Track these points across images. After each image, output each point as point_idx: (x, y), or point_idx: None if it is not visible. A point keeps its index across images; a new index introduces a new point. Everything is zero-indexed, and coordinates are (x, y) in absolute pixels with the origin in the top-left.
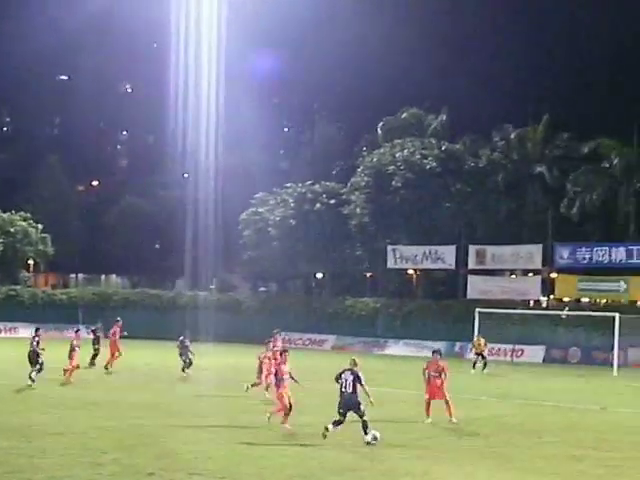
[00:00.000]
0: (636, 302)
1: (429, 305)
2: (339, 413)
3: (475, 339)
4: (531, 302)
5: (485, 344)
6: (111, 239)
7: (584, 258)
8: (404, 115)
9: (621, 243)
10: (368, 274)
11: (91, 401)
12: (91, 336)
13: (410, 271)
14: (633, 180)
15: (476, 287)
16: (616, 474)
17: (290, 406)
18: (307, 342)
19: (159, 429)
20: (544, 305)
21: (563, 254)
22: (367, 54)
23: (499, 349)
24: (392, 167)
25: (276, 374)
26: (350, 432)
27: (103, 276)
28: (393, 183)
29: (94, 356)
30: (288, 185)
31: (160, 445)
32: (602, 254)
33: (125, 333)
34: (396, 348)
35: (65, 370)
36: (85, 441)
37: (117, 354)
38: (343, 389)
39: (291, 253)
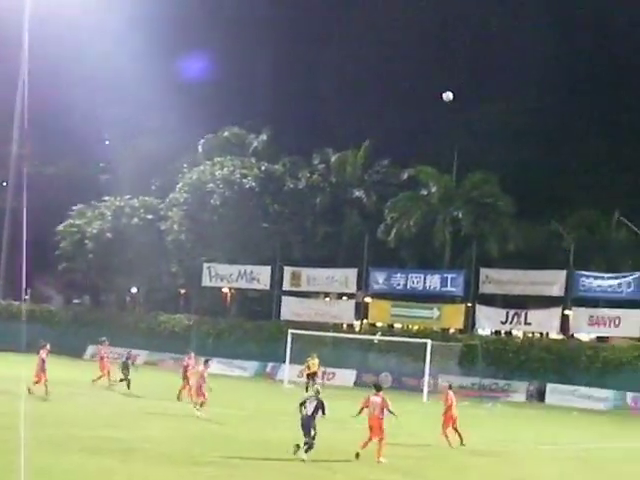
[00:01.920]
0: (448, 329)
1: (242, 324)
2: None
3: (309, 359)
4: (344, 326)
5: (319, 365)
6: None
7: (399, 284)
8: (225, 133)
9: (436, 270)
10: (183, 291)
11: None
12: None
13: (225, 289)
14: (449, 208)
15: (290, 308)
16: None
17: None
18: (117, 356)
19: None
20: (357, 329)
21: (378, 279)
22: (195, 73)
23: None
24: (211, 185)
25: None
26: (165, 447)
27: None
28: (212, 201)
29: None
30: (106, 198)
31: None
32: (417, 281)
33: None
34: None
35: None
36: None
37: None
38: (303, 412)
39: (107, 267)
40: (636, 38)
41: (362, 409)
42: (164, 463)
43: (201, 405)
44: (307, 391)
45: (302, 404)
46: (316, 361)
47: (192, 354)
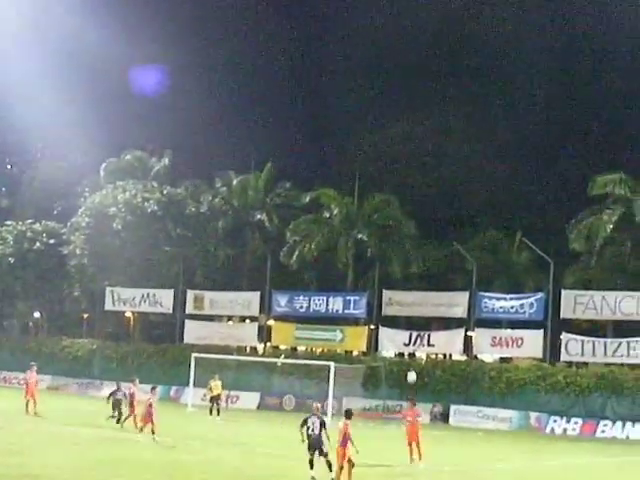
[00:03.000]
0: (351, 352)
1: (145, 348)
2: (309, 453)
3: (211, 381)
4: (248, 349)
5: (222, 387)
6: None
7: (302, 307)
8: (127, 157)
9: (338, 292)
10: (85, 315)
11: None
12: None
13: (128, 313)
14: (352, 230)
15: (193, 332)
16: None
17: None
18: (22, 382)
19: None
20: (260, 352)
21: (281, 302)
22: (95, 95)
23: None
24: (113, 209)
25: None
26: None
27: None
28: (114, 225)
29: None
30: (8, 223)
31: None
32: (319, 303)
33: None
34: (112, 390)
35: None
36: None
37: None
38: (310, 432)
39: (8, 291)
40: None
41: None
42: None
43: (153, 432)
44: (210, 414)
45: (303, 424)
46: (218, 383)
47: (136, 381)
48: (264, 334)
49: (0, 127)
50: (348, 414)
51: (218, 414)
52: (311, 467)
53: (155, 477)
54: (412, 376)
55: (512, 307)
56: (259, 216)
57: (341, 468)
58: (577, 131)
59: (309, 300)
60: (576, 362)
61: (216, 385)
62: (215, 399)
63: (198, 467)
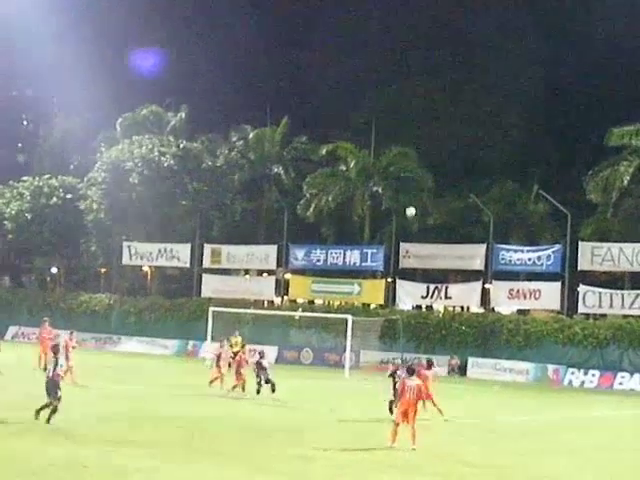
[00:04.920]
0: (369, 305)
1: (163, 302)
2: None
3: (232, 338)
4: (265, 302)
5: (243, 345)
6: None
7: (319, 260)
8: (143, 112)
9: (356, 246)
10: (103, 270)
11: None
12: None
13: (145, 268)
14: (369, 183)
15: (210, 286)
16: (341, 475)
17: None
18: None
19: None
20: (278, 305)
21: (298, 255)
22: (111, 51)
23: None
24: (130, 164)
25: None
26: (89, 427)
27: None
28: (130, 180)
29: None
30: (25, 179)
31: None
32: (336, 256)
33: None
34: (130, 345)
35: None
36: None
37: None
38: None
39: (26, 247)
40: None
41: (401, 394)
42: (88, 443)
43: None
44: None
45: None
46: (239, 339)
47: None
48: (281, 288)
49: (16, 83)
50: (411, 371)
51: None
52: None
53: (173, 430)
54: (411, 211)
55: (529, 259)
56: (276, 169)
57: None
58: (595, 83)
59: (326, 253)
60: (593, 314)
61: (236, 342)
62: (236, 355)
63: (214, 420)
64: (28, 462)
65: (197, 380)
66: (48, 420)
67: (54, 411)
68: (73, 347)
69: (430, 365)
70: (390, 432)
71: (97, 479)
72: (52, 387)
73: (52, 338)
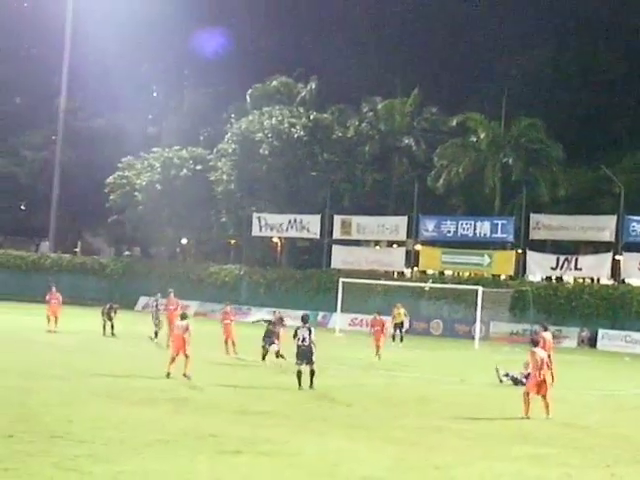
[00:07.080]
0: (499, 276)
1: (293, 274)
2: (297, 363)
3: (395, 309)
4: (395, 274)
5: (405, 314)
6: None
7: (449, 231)
8: (273, 83)
9: (486, 217)
10: (232, 241)
11: None
12: None
13: (275, 239)
14: (499, 155)
15: (340, 257)
16: (472, 446)
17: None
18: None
19: (16, 391)
20: (408, 277)
21: (428, 227)
22: (237, 23)
23: (361, 320)
24: (260, 135)
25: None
26: (215, 397)
27: None
28: (260, 151)
29: None
30: (155, 150)
31: (18, 407)
32: (467, 228)
33: None
34: (259, 315)
35: None
36: None
37: None
38: (299, 343)
39: (156, 218)
40: None
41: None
42: (215, 413)
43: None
44: (394, 341)
45: (295, 335)
46: (402, 310)
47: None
48: (411, 259)
49: (146, 55)
50: (535, 342)
51: (401, 341)
52: (299, 380)
53: (300, 400)
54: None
55: None
56: (406, 141)
57: (543, 396)
58: None
59: (456, 224)
60: None
61: (399, 313)
62: (398, 326)
63: (341, 390)
64: (159, 430)
65: (328, 351)
66: (311, 384)
67: (312, 374)
68: (231, 320)
69: (546, 328)
70: (523, 403)
71: (227, 448)
72: (307, 353)
73: (176, 309)
